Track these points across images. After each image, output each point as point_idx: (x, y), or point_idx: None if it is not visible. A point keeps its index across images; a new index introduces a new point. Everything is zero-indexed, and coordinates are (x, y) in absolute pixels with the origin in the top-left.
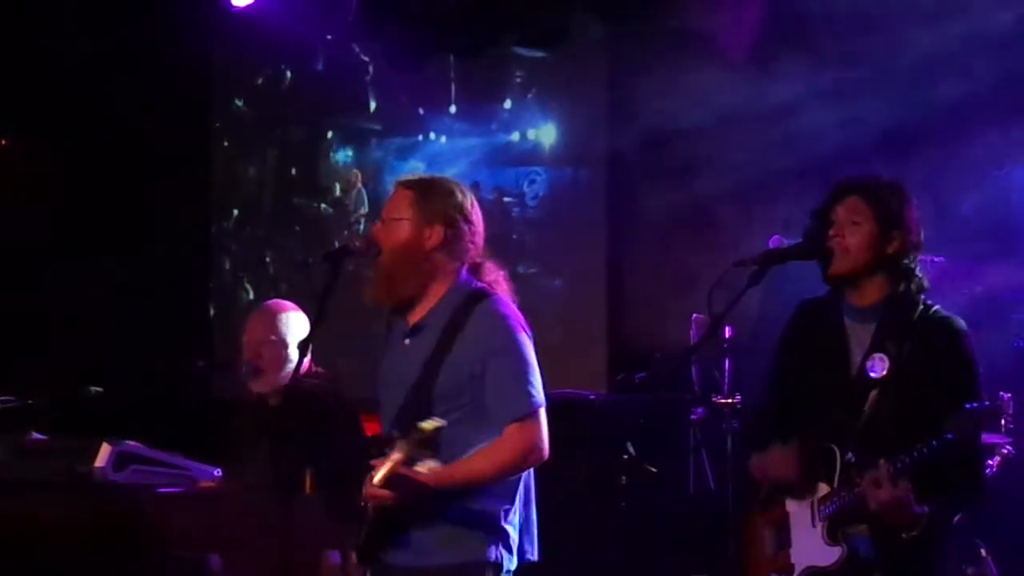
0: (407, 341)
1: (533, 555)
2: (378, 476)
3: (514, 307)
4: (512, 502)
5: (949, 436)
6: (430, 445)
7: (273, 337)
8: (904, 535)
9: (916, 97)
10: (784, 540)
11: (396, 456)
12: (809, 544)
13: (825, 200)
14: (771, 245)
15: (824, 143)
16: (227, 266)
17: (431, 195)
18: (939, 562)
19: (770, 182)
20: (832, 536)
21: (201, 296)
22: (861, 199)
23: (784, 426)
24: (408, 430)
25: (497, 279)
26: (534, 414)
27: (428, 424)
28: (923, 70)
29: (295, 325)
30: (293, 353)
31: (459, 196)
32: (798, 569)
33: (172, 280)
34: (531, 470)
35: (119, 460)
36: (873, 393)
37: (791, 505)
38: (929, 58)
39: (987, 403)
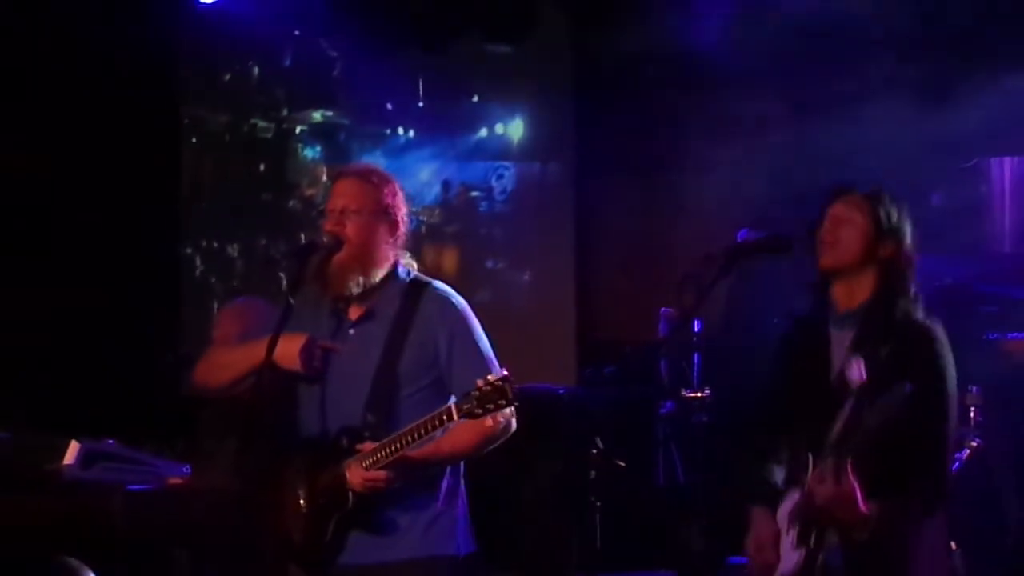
0: (352, 331)
1: (472, 544)
2: (371, 459)
3: (451, 289)
4: (463, 490)
5: (872, 423)
6: (504, 395)
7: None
8: (855, 536)
9: (884, 88)
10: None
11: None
12: (787, 551)
13: (825, 198)
14: (739, 239)
15: (791, 136)
16: (196, 262)
17: (389, 187)
18: (908, 565)
19: (740, 176)
20: (800, 540)
21: (170, 292)
22: (861, 197)
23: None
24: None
25: (414, 265)
26: None
27: (493, 376)
28: (892, 61)
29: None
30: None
31: (401, 188)
32: None
33: (141, 275)
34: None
35: (87, 458)
36: (850, 399)
37: (780, 516)
38: (898, 49)
39: (908, 386)
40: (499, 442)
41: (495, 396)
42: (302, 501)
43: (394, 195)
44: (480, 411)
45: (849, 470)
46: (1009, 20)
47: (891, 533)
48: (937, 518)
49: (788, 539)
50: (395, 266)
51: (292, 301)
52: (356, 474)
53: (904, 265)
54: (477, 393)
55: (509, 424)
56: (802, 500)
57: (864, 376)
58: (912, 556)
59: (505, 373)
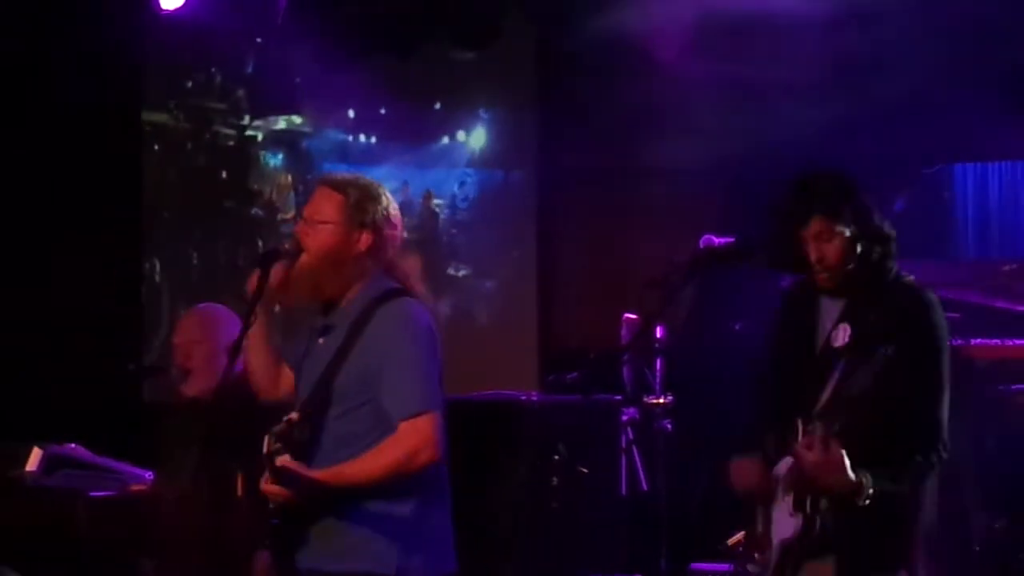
0: (320, 340)
1: (453, 563)
2: (273, 474)
3: (421, 307)
4: (423, 506)
5: (855, 390)
6: (286, 439)
7: (203, 339)
8: (858, 502)
9: (848, 96)
10: (768, 518)
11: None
12: (781, 518)
13: (784, 220)
14: (702, 245)
15: (755, 142)
16: (157, 270)
17: (361, 200)
18: (905, 549)
19: (702, 182)
20: (796, 506)
21: (131, 300)
22: (822, 220)
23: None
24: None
25: (410, 276)
26: (426, 412)
27: (286, 421)
28: (855, 68)
29: (225, 328)
30: (224, 356)
31: (384, 200)
32: (775, 544)
33: (102, 284)
34: (445, 473)
35: (50, 464)
36: (838, 363)
37: (773, 482)
38: (861, 56)
39: (891, 349)
40: (416, 468)
41: (286, 436)
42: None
43: (365, 206)
44: (278, 446)
45: (834, 437)
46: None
47: (886, 499)
48: (931, 484)
49: (784, 505)
50: (370, 277)
51: (254, 307)
52: (264, 483)
53: (879, 231)
54: (279, 428)
55: (418, 451)
56: (793, 467)
57: (849, 340)
58: (907, 523)
59: (295, 416)
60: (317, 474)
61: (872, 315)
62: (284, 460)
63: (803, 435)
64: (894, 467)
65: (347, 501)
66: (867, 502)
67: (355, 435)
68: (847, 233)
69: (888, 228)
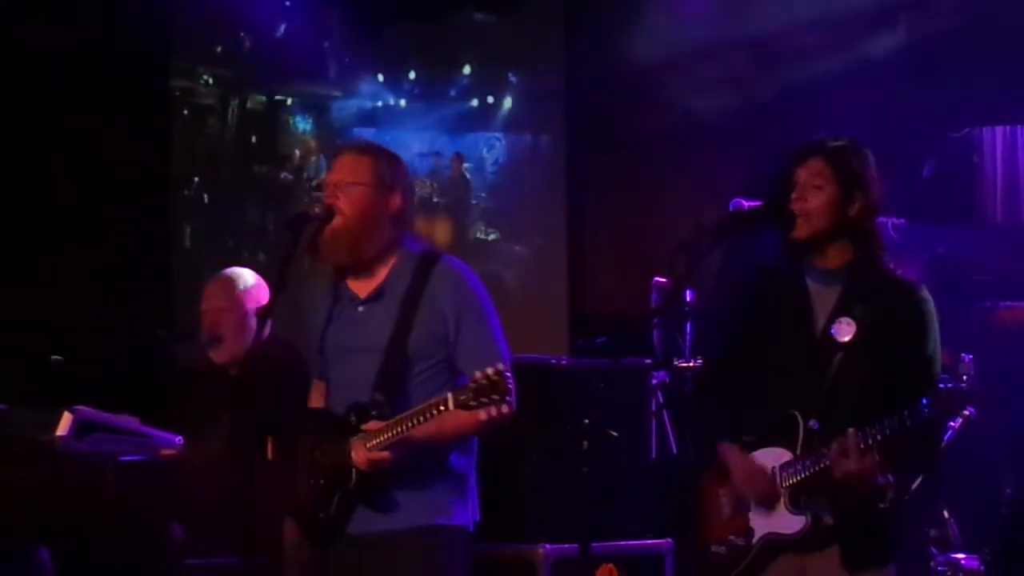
0: (361, 308)
1: (479, 513)
2: (376, 440)
3: (465, 264)
4: (473, 459)
5: (927, 414)
6: (498, 390)
7: (231, 306)
8: (877, 505)
9: (876, 57)
10: (743, 504)
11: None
12: (770, 510)
13: (786, 163)
14: (731, 208)
15: (783, 107)
16: (187, 235)
17: (389, 163)
18: (899, 528)
19: (731, 146)
20: (795, 504)
21: (162, 265)
22: (822, 161)
23: (734, 396)
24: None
25: (426, 236)
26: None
27: (491, 369)
28: (883, 30)
29: (254, 293)
30: (253, 321)
31: (405, 165)
32: (757, 534)
33: (132, 249)
34: None
35: (81, 428)
36: (838, 357)
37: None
38: (890, 18)
39: (963, 385)
40: (505, 422)
41: (490, 390)
42: (308, 476)
43: (393, 169)
44: (475, 403)
45: (869, 446)
46: None
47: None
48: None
49: (780, 502)
50: (402, 241)
51: (284, 272)
52: (361, 454)
53: (874, 217)
54: (473, 385)
55: (511, 406)
56: (815, 471)
57: (854, 336)
58: (901, 516)
59: (501, 367)
60: (421, 434)
61: (872, 311)
62: (372, 425)
63: (818, 436)
64: (902, 468)
65: (424, 460)
66: (888, 505)
67: (434, 393)
68: (838, 192)
69: (880, 232)
